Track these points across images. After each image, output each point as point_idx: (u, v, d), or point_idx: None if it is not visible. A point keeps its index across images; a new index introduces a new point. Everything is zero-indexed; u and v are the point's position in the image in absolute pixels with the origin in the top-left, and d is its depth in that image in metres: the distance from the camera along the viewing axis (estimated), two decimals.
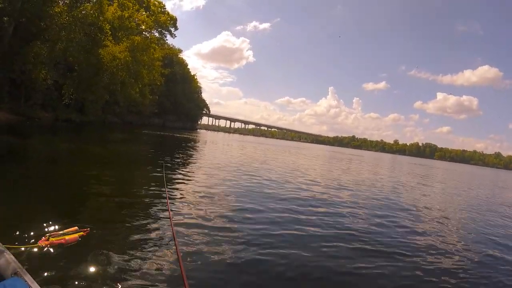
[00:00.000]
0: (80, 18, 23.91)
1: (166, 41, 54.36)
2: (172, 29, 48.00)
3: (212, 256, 3.62)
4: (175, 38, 75.69)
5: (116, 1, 31.53)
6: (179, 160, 12.79)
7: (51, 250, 3.09)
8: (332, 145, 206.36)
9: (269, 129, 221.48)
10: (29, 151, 10.46)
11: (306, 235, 4.95)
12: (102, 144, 15.55)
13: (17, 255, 2.49)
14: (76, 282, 2.70)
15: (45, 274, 2.72)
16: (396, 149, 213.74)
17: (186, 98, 67.76)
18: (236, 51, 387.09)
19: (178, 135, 36.10)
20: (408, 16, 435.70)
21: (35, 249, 3.04)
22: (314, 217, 6.16)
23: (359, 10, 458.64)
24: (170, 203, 5.29)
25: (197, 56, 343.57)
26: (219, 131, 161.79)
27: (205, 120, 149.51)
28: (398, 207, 8.55)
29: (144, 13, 37.96)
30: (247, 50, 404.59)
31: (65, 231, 3.32)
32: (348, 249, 4.55)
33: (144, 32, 38.14)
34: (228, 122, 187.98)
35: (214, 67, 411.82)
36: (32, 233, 3.36)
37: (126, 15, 31.86)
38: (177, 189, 6.97)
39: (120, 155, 12.46)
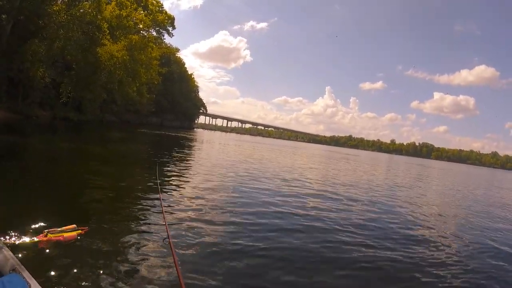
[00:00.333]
0: (78, 16, 23.87)
1: (164, 40, 54.25)
2: (170, 28, 47.82)
3: (207, 255, 3.68)
4: (173, 37, 75.55)
5: (114, 0, 31.49)
6: (175, 160, 12.88)
7: (49, 247, 3.12)
8: (329, 144, 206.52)
9: (266, 128, 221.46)
10: (28, 150, 10.52)
11: (302, 234, 5.06)
12: (100, 143, 15.62)
13: (15, 251, 2.50)
14: (73, 279, 2.73)
15: (43, 270, 2.74)
16: (393, 148, 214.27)
17: (184, 97, 67.68)
18: (234, 50, 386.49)
19: (176, 134, 36.13)
20: (405, 16, 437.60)
21: (33, 246, 3.05)
22: (311, 216, 6.29)
23: (356, 10, 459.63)
24: (164, 202, 5.32)
25: (194, 55, 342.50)
26: (216, 130, 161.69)
27: (202, 119, 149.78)
28: (393, 206, 8.76)
29: (142, 12, 37.89)
30: (244, 50, 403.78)
31: (64, 228, 3.35)
32: (346, 248, 4.68)
33: (141, 31, 38.05)
34: (225, 121, 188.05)
35: (211, 66, 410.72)
36: (30, 230, 3.40)
37: (124, 14, 31.78)
38: (172, 189, 7.07)
39: (118, 155, 12.56)
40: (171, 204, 5.68)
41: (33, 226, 3.53)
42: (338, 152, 65.86)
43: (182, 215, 5.10)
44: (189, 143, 26.07)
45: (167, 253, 3.49)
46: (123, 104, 36.68)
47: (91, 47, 26.52)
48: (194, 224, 4.71)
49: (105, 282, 2.80)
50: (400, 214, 7.71)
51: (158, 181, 6.58)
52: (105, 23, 28.50)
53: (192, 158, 14.93)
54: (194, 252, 3.72)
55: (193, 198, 6.44)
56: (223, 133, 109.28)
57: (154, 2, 41.83)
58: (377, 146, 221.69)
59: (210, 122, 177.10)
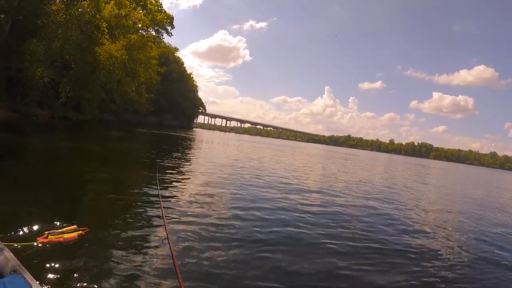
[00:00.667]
0: (77, 16, 23.81)
1: (163, 39, 54.23)
2: (169, 28, 47.78)
3: (205, 254, 3.71)
4: (172, 36, 75.37)
5: None
6: (174, 159, 12.94)
7: (50, 248, 3.13)
8: (328, 144, 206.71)
9: (264, 128, 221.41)
10: (27, 149, 10.53)
11: (299, 232, 5.13)
12: (99, 143, 15.64)
13: (16, 252, 2.50)
14: (74, 280, 2.75)
15: (44, 271, 2.76)
16: (391, 148, 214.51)
17: (182, 97, 67.62)
18: (233, 50, 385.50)
19: (174, 134, 36.15)
20: (405, 16, 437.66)
21: (34, 247, 3.07)
22: (308, 215, 6.35)
23: (355, 9, 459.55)
24: (164, 202, 5.36)
25: (193, 55, 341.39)
26: (215, 129, 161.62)
27: (201, 118, 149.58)
28: (392, 206, 8.83)
29: (141, 11, 37.89)
30: (243, 49, 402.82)
31: (64, 229, 3.38)
32: (344, 246, 4.74)
33: (140, 31, 38.04)
34: (224, 120, 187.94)
35: (210, 66, 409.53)
36: (31, 231, 3.41)
37: (123, 13, 31.74)
38: (171, 188, 7.11)
39: (117, 154, 12.60)
40: (171, 204, 5.70)
41: (33, 227, 3.56)
42: (336, 152, 65.96)
43: (182, 215, 5.14)
44: (188, 143, 26.11)
45: (166, 253, 3.51)
46: (122, 104, 36.64)
47: (90, 46, 26.46)
48: (194, 224, 4.75)
49: (105, 282, 2.83)
50: (400, 214, 7.78)
51: (158, 181, 6.64)
52: (104, 23, 28.45)
53: (191, 158, 14.97)
54: (194, 252, 3.75)
55: (192, 197, 6.47)
56: (222, 133, 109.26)
57: (153, 1, 41.83)
58: (376, 146, 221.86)
59: (209, 122, 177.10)
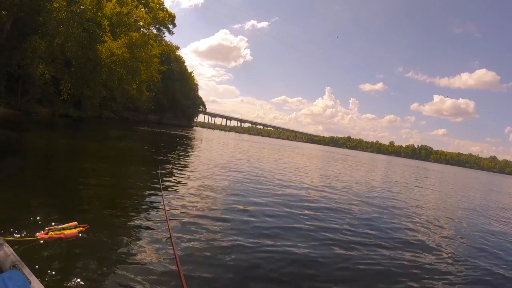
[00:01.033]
0: (79, 13, 23.83)
1: (164, 37, 54.28)
2: (170, 26, 47.91)
3: (208, 251, 3.73)
4: (173, 35, 75.42)
5: None
6: (175, 157, 12.93)
7: (50, 244, 3.13)
8: (328, 145, 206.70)
9: (264, 127, 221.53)
10: (28, 146, 10.53)
11: (301, 230, 5.17)
12: (100, 140, 15.65)
13: (16, 248, 2.51)
14: (74, 276, 2.75)
15: (44, 267, 2.76)
16: (391, 150, 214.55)
17: (183, 96, 67.61)
18: (234, 49, 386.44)
19: (174, 133, 36.16)
20: (406, 17, 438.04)
21: (34, 243, 3.07)
22: (308, 213, 6.38)
23: (357, 10, 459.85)
24: (165, 199, 5.38)
25: (194, 54, 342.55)
26: (215, 129, 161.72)
27: (201, 117, 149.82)
28: (391, 208, 8.84)
29: (142, 9, 37.90)
30: (244, 49, 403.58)
31: (64, 225, 3.38)
32: (344, 244, 4.78)
33: (142, 29, 38.05)
34: (224, 120, 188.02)
35: (211, 65, 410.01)
36: (31, 227, 3.40)
37: (125, 11, 31.77)
38: (173, 186, 7.13)
39: (118, 152, 12.59)
40: (172, 201, 5.73)
41: (33, 222, 3.57)
42: (336, 153, 65.98)
43: (184, 211, 5.16)
44: (189, 141, 26.10)
45: (168, 250, 3.53)
46: (122, 102, 36.64)
47: (91, 44, 26.48)
48: (196, 220, 4.78)
49: (106, 279, 2.84)
50: (400, 216, 7.78)
51: (160, 178, 6.68)
52: (106, 20, 28.51)
53: (192, 156, 14.98)
54: (196, 249, 3.76)
55: (194, 195, 6.51)
56: (222, 132, 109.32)
57: None
58: (375, 148, 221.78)
59: (209, 121, 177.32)
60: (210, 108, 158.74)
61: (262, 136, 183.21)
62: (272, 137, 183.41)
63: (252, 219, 5.41)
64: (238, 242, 4.19)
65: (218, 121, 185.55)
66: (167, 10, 44.95)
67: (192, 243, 3.92)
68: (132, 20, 33.91)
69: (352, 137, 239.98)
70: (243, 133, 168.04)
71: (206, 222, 4.80)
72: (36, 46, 21.19)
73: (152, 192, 6.15)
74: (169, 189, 6.67)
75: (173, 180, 7.76)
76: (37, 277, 1.90)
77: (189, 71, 75.05)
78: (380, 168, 33.70)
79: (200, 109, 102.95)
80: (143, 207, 5.15)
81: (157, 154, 12.72)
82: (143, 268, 3.14)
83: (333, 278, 3.66)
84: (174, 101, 61.93)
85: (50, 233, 3.21)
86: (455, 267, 4.65)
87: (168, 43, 58.93)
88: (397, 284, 3.77)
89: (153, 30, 43.89)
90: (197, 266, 3.34)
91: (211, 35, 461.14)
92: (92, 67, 27.23)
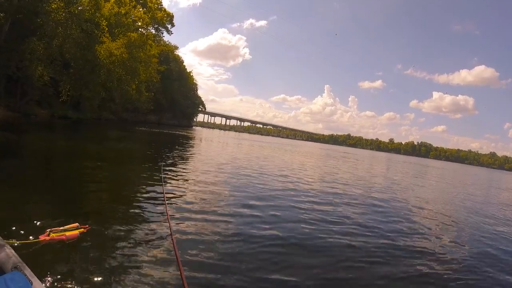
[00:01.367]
0: (77, 14, 23.79)
1: (163, 37, 54.23)
2: (169, 26, 47.85)
3: (209, 252, 3.75)
4: (172, 35, 75.26)
5: None
6: (175, 157, 12.93)
7: (52, 246, 3.14)
8: (327, 143, 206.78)
9: (264, 126, 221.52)
10: (28, 148, 10.54)
11: (302, 229, 5.18)
12: (99, 141, 15.65)
13: (18, 249, 2.51)
14: (75, 278, 2.76)
15: (45, 269, 2.76)
16: (391, 147, 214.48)
17: (182, 95, 67.48)
18: (232, 48, 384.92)
19: (174, 133, 36.16)
20: (405, 15, 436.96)
21: (36, 244, 3.08)
22: (308, 212, 6.39)
23: (355, 8, 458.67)
24: (167, 199, 5.38)
25: (193, 53, 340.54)
26: (214, 128, 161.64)
27: (200, 117, 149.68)
28: (392, 205, 8.86)
29: (140, 9, 37.82)
30: (243, 48, 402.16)
31: (66, 227, 3.39)
32: (345, 243, 4.80)
33: (140, 29, 37.99)
34: (224, 119, 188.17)
35: (210, 64, 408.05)
36: (32, 229, 3.42)
37: (123, 11, 31.75)
38: (173, 186, 7.14)
39: (118, 153, 12.59)
40: (173, 201, 5.74)
41: (35, 225, 3.58)
42: (336, 151, 65.99)
43: (185, 212, 5.18)
44: (189, 141, 26.12)
45: (169, 250, 3.56)
46: (122, 102, 36.63)
47: (90, 45, 26.44)
48: (197, 220, 4.80)
49: (107, 280, 2.85)
50: (400, 213, 7.80)
51: (162, 179, 6.70)
52: (104, 21, 28.46)
53: (192, 156, 15.01)
54: (197, 249, 3.78)
55: (195, 194, 6.53)
56: (222, 131, 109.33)
57: None
58: (375, 145, 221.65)
59: (209, 120, 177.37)
60: (209, 107, 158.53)
61: (261, 135, 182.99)
62: (272, 136, 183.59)
63: (256, 218, 5.42)
64: (239, 239, 4.23)
65: (217, 120, 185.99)
66: (165, 9, 44.88)
67: (194, 244, 3.93)
68: (131, 20, 33.86)
69: (351, 135, 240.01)
70: (243, 132, 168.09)
71: (208, 222, 4.81)
72: (35, 48, 21.16)
73: (153, 192, 6.17)
74: (170, 189, 6.66)
75: (174, 180, 7.76)
76: (39, 278, 1.91)
77: (188, 71, 74.93)
78: (381, 165, 33.71)
79: (200, 109, 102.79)
80: (144, 207, 5.16)
81: (157, 155, 12.74)
82: (145, 268, 3.15)
83: (337, 273, 3.72)
84: (173, 101, 61.84)
85: (52, 234, 3.22)
86: (455, 267, 4.67)
87: (167, 43, 58.93)
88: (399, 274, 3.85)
89: (151, 30, 43.84)
90: (199, 267, 3.35)
91: (209, 34, 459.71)
92: (90, 68, 27.19)
